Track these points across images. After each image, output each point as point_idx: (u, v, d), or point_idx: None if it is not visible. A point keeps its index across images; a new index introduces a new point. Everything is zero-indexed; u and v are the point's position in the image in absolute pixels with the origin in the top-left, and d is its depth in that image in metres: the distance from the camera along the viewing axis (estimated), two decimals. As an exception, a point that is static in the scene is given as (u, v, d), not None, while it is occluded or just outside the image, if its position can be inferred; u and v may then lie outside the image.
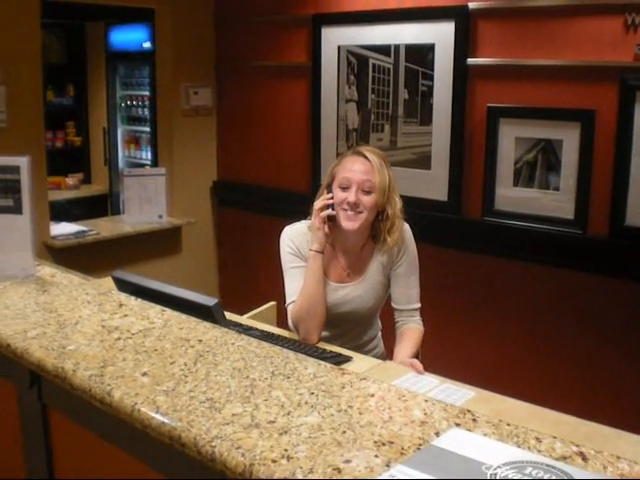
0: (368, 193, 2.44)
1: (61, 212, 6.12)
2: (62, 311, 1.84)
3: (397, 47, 3.85)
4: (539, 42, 3.33)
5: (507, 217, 3.56)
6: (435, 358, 2.98)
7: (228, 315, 2.74)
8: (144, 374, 1.44)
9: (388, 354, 2.68)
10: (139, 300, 1.94)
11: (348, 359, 2.27)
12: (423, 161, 3.85)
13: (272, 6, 4.49)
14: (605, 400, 3.33)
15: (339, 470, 1.07)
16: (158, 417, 1.26)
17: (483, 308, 3.76)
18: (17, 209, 2.18)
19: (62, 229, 4.31)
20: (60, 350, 1.57)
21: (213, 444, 1.16)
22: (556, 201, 3.40)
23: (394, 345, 2.58)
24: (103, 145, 6.81)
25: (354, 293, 2.55)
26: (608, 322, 3.32)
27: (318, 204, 2.47)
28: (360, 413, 1.27)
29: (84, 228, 4.38)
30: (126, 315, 1.81)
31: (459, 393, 2.04)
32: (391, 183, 2.48)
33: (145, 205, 4.64)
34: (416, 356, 2.51)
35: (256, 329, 2.47)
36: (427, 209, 3.79)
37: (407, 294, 2.57)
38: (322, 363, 1.51)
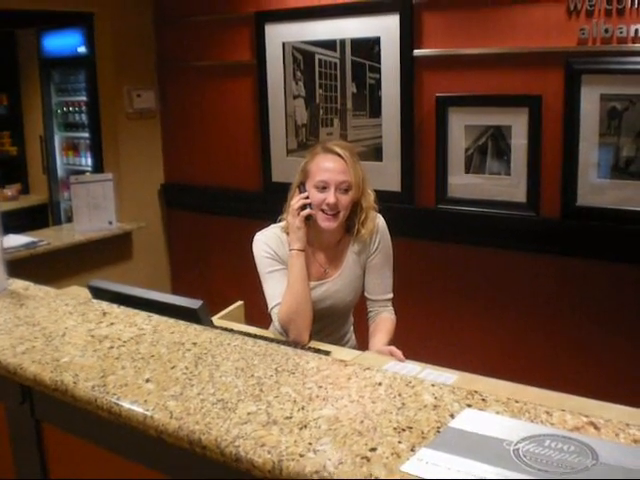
0: (345, 192, 2.45)
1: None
2: (46, 323, 1.81)
3: (342, 42, 3.89)
4: (484, 31, 3.41)
5: (461, 204, 3.64)
6: (404, 346, 3.04)
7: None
8: (147, 381, 1.43)
9: (361, 345, 2.71)
10: (122, 307, 1.92)
11: (326, 353, 2.29)
12: (374, 153, 3.89)
13: (213, 5, 4.47)
14: (577, 371, 3.44)
15: (367, 459, 1.09)
16: (174, 422, 1.26)
17: (442, 294, 3.84)
18: (-15, 223, 2.14)
19: (11, 241, 4.20)
20: (54, 363, 1.54)
21: (236, 444, 1.16)
22: (508, 185, 3.50)
23: (368, 336, 2.62)
24: (41, 153, 6.65)
25: (333, 288, 2.57)
26: (564, 299, 3.44)
27: (296, 203, 2.45)
28: (373, 402, 1.29)
29: (34, 239, 4.28)
30: (112, 323, 1.79)
31: (442, 377, 2.08)
32: (364, 177, 2.52)
33: (94, 212, 4.57)
34: (389, 345, 2.55)
35: (231, 329, 2.47)
36: (381, 200, 3.73)
37: (381, 284, 2.61)
38: (322, 357, 1.53)
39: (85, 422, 1.49)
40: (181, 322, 1.78)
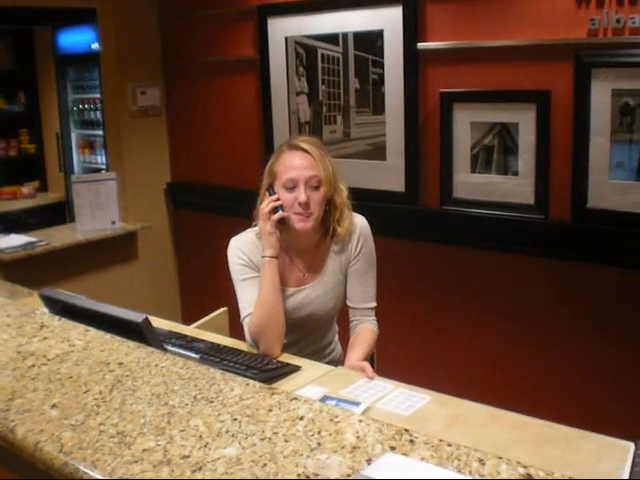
0: (317, 188, 2.30)
1: (17, 222, 5.93)
2: (-23, 337, 1.70)
3: (345, 35, 3.72)
4: (490, 23, 3.21)
5: (466, 205, 3.44)
6: (393, 360, 2.87)
7: (175, 326, 2.62)
8: (53, 406, 1.30)
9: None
10: (63, 320, 1.79)
11: (297, 368, 2.13)
12: (378, 152, 3.72)
13: (216, -1, 4.34)
14: (574, 397, 3.24)
15: (254, 514, 0.94)
16: (61, 457, 1.13)
17: (445, 302, 3.64)
18: None
19: (10, 242, 4.13)
20: (-34, 383, 1.42)
21: (117, 488, 1.02)
22: (515, 186, 3.29)
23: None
24: (57, 151, 6.61)
25: (313, 294, 2.41)
26: (575, 308, 3.22)
27: (266, 207, 2.31)
28: (286, 440, 1.14)
29: (33, 239, 4.19)
30: (45, 338, 1.67)
31: (414, 398, 1.92)
32: (335, 171, 2.36)
33: (97, 212, 4.47)
34: (370, 358, 2.39)
35: (201, 340, 2.33)
36: (384, 201, 3.67)
37: (363, 292, 2.44)
38: (251, 382, 1.38)
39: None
40: (116, 338, 1.64)
